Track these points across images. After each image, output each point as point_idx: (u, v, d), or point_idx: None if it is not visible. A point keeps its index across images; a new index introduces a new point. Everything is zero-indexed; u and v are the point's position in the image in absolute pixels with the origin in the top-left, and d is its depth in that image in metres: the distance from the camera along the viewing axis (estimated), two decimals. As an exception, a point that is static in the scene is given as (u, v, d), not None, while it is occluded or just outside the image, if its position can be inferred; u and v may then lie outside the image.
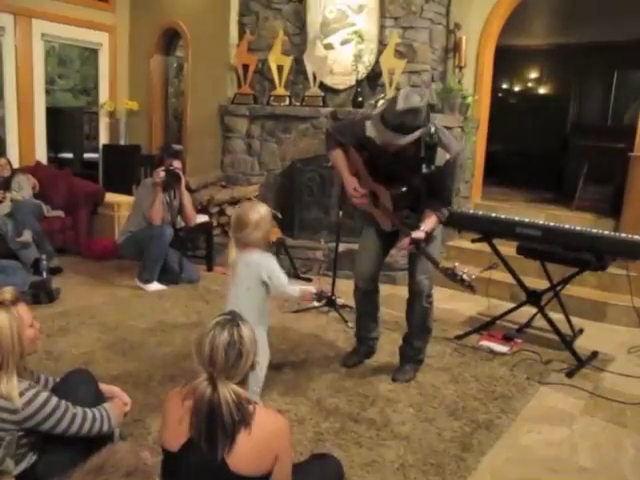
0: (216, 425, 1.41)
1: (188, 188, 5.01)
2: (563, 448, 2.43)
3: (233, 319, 1.50)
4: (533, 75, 8.80)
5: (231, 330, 1.45)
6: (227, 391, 1.42)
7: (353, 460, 2.21)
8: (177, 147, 4.87)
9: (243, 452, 1.42)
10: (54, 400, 1.67)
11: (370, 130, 2.56)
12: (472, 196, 5.37)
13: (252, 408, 1.45)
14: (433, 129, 2.61)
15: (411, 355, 3.02)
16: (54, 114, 6.40)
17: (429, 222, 2.72)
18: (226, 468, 1.41)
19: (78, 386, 1.86)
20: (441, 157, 2.63)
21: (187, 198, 4.45)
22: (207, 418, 1.41)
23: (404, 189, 2.74)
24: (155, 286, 4.23)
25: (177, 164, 4.27)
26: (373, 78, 4.99)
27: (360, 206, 2.92)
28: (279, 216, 5.04)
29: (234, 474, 1.42)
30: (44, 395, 1.66)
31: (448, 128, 4.76)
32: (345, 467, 1.98)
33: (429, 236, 2.72)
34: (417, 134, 2.48)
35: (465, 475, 2.19)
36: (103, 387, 2.03)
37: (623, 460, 2.36)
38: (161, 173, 4.15)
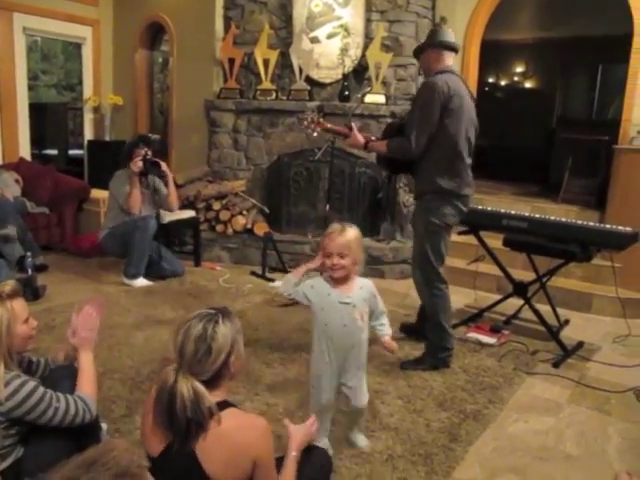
0: (173, 417, 1.37)
1: (175, 183, 4.98)
2: (550, 436, 2.45)
3: (215, 314, 1.44)
4: (519, 69, 8.85)
5: (207, 325, 1.41)
6: (186, 386, 1.36)
7: (342, 452, 2.22)
8: (154, 137, 4.82)
9: (218, 460, 1.37)
10: (40, 391, 1.66)
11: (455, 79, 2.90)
12: (459, 189, 5.38)
13: (211, 413, 1.37)
14: None
15: (426, 347, 3.08)
16: (38, 110, 6.32)
17: (378, 142, 3.07)
18: (205, 476, 1.37)
19: (63, 381, 1.84)
20: None
21: (172, 182, 4.37)
22: (167, 408, 1.37)
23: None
24: (142, 281, 4.20)
25: (149, 152, 4.21)
26: (359, 72, 4.98)
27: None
28: (266, 211, 5.04)
29: None
30: (30, 385, 1.65)
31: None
32: (334, 458, 1.99)
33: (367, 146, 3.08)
34: None
35: (453, 465, 2.20)
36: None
37: (608, 447, 2.39)
38: (139, 163, 4.11)
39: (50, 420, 1.67)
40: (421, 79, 5.04)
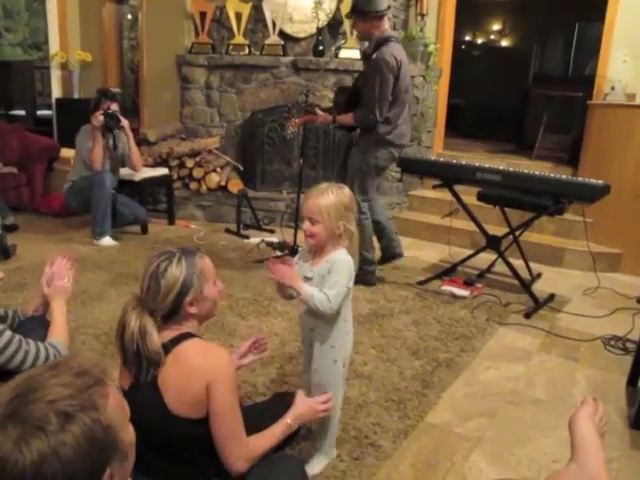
0: (124, 345, 1.39)
1: (147, 141, 4.89)
2: (520, 382, 2.51)
3: (174, 254, 1.41)
4: (496, 27, 8.77)
5: (161, 263, 1.39)
6: (134, 319, 1.37)
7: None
8: (115, 90, 4.70)
9: (173, 387, 1.36)
10: (7, 334, 1.64)
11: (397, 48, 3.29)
12: (434, 146, 5.38)
13: (158, 352, 1.35)
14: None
15: None
16: (2, 69, 6.10)
17: (344, 115, 3.42)
18: (167, 410, 1.36)
19: (33, 330, 1.82)
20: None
21: (133, 141, 4.28)
22: (120, 334, 1.39)
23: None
24: (108, 241, 4.10)
25: (115, 107, 4.12)
26: (334, 26, 4.89)
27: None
28: (240, 168, 4.98)
29: (175, 416, 1.37)
30: None
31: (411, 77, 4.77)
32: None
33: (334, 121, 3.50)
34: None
35: (426, 410, 2.25)
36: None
37: (575, 391, 2.46)
38: (100, 117, 4.04)
39: (20, 364, 1.64)
40: (396, 34, 4.98)
